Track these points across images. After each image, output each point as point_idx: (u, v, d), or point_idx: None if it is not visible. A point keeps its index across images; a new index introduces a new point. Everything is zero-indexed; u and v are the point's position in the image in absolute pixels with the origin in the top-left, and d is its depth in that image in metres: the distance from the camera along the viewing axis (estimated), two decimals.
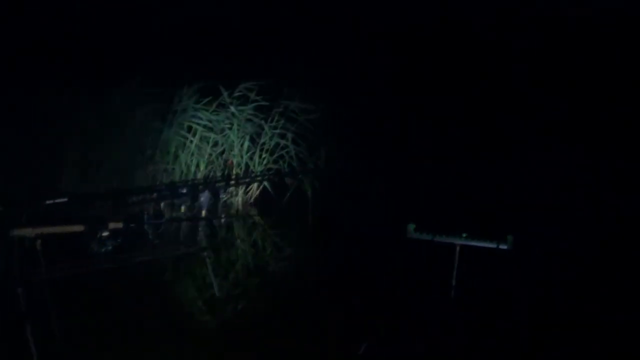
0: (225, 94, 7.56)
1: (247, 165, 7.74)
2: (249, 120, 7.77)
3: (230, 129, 7.68)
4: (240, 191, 7.71)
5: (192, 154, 7.61)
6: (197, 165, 7.68)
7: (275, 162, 7.82)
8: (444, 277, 4.89)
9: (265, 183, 7.60)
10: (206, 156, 7.66)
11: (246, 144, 7.73)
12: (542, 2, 6.64)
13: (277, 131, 7.79)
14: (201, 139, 7.63)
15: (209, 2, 8.17)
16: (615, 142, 6.53)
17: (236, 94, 7.66)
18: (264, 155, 7.89)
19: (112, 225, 3.43)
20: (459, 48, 7.05)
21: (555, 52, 7.10)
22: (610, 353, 4.53)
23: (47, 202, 3.21)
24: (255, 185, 7.68)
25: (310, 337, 4.40)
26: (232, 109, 7.67)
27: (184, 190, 3.78)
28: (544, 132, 6.62)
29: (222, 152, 7.69)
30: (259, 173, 7.67)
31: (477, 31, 6.93)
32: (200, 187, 3.89)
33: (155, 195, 4.01)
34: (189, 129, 7.59)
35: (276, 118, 7.82)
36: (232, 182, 4.37)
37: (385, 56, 7.28)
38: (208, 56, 8.05)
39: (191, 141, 7.60)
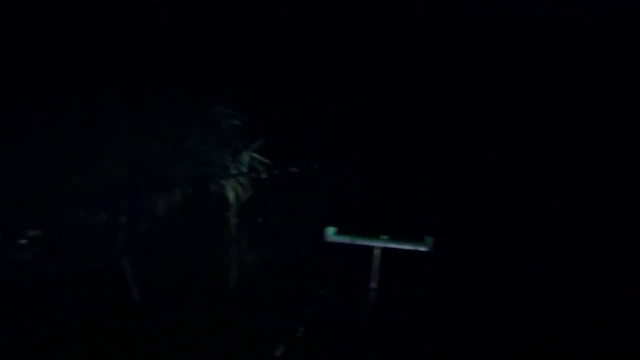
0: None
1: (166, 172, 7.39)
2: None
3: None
4: (163, 197, 7.36)
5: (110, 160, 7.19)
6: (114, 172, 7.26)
7: (197, 168, 7.52)
8: (364, 279, 4.82)
9: (187, 189, 7.28)
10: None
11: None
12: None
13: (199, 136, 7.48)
14: None
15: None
16: (531, 146, 6.68)
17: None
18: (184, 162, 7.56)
19: (30, 233, 3.16)
20: (377, 45, 7.01)
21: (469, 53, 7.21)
22: (524, 347, 4.59)
23: None
24: (178, 190, 7.36)
25: (226, 341, 4.23)
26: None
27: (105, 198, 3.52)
28: (463, 136, 6.70)
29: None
30: (179, 179, 7.35)
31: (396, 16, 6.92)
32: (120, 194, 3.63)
33: (76, 201, 3.73)
34: None
35: (199, 123, 7.51)
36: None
37: (308, 61, 7.17)
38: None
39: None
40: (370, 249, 4.89)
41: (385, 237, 4.89)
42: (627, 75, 6.41)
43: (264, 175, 6.88)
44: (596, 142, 6.46)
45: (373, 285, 4.82)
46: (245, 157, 7.14)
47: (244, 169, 7.02)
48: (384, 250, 4.88)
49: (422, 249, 4.84)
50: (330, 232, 4.86)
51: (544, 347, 4.89)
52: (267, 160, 6.77)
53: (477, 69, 6.80)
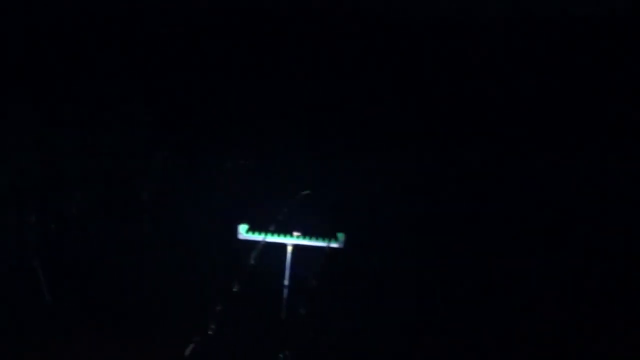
0: None
1: None
2: None
3: None
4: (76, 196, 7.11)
5: None
6: None
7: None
8: (276, 277, 4.83)
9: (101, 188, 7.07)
10: None
11: None
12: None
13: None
14: None
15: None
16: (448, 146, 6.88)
17: None
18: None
19: None
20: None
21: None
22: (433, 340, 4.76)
23: None
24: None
25: (135, 340, 4.15)
26: None
27: None
28: (378, 131, 6.81)
29: None
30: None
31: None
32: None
33: None
34: None
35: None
36: None
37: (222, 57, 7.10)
38: None
39: None
40: (283, 246, 4.91)
41: (298, 234, 4.92)
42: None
43: (177, 173, 6.77)
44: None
45: (285, 282, 4.85)
46: (160, 155, 7.00)
47: (159, 168, 6.88)
48: (298, 247, 4.92)
49: (335, 245, 4.90)
50: (243, 229, 4.85)
51: (452, 339, 5.07)
52: (181, 158, 6.67)
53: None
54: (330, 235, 4.88)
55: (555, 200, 6.39)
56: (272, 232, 4.85)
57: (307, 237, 4.90)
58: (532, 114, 6.68)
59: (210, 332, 3.95)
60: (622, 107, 6.54)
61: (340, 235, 4.90)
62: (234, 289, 4.24)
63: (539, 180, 6.52)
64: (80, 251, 5.92)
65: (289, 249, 4.88)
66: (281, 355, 4.24)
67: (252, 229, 4.84)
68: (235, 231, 4.81)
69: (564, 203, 6.35)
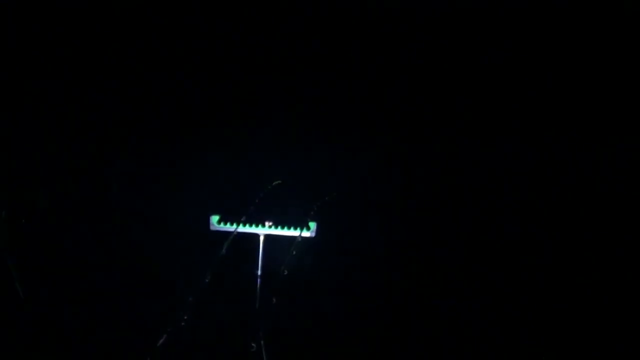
0: None
1: None
2: None
3: None
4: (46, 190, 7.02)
5: None
6: None
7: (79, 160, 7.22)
8: (249, 267, 4.86)
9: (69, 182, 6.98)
10: None
11: None
12: None
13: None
14: None
15: None
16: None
17: None
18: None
19: None
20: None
21: None
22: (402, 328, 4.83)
23: None
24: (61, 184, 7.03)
25: (107, 333, 4.16)
26: None
27: None
28: (350, 120, 6.83)
29: None
30: None
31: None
32: None
33: None
34: None
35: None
36: None
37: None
38: None
39: None
40: (255, 236, 4.94)
41: (270, 223, 4.95)
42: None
43: (147, 165, 6.72)
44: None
45: (258, 271, 4.87)
46: (130, 147, 6.94)
47: (129, 160, 6.83)
48: (270, 237, 4.95)
49: (307, 234, 4.95)
50: (214, 220, 4.86)
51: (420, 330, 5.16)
52: (151, 150, 6.63)
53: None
54: (302, 225, 4.92)
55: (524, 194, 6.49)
56: (244, 223, 4.87)
57: (279, 227, 4.94)
58: (509, 106, 6.76)
59: (182, 323, 3.96)
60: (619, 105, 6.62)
61: (312, 224, 4.94)
62: (206, 280, 4.26)
63: (507, 168, 6.61)
64: (51, 246, 5.88)
65: (261, 238, 4.92)
66: (254, 345, 4.28)
67: (224, 219, 4.86)
68: (207, 222, 4.82)
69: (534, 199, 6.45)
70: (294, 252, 4.81)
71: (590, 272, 5.72)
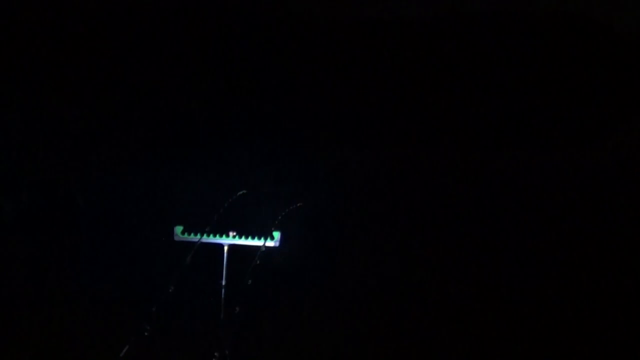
0: None
1: None
2: None
3: None
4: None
5: None
6: None
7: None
8: (214, 278, 4.87)
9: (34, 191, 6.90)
10: None
11: None
12: None
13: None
14: None
15: None
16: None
17: None
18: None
19: None
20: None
21: None
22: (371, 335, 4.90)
23: None
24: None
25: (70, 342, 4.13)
26: None
27: None
28: (312, 129, 6.93)
29: None
30: None
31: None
32: None
33: None
34: None
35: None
36: None
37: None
38: None
39: None
40: (219, 246, 4.95)
41: (234, 234, 4.97)
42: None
43: (113, 176, 6.70)
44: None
45: (222, 281, 4.89)
46: (96, 159, 6.91)
47: (96, 171, 6.80)
48: (235, 247, 4.97)
49: (271, 244, 4.97)
50: (178, 231, 4.86)
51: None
52: (117, 161, 6.61)
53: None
54: (266, 234, 4.95)
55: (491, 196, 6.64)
56: (208, 233, 4.88)
57: (244, 237, 4.95)
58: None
59: (146, 334, 3.96)
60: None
61: (276, 234, 4.97)
62: (170, 290, 4.26)
63: (486, 171, 6.75)
64: (20, 254, 5.81)
65: (225, 248, 4.93)
66: (217, 354, 4.29)
67: (188, 230, 4.86)
68: (170, 233, 4.82)
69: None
70: (258, 262, 4.83)
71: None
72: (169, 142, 6.44)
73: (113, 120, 6.53)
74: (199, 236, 4.84)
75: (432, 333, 5.33)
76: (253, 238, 4.96)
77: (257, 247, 4.88)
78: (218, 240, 4.90)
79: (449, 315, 5.47)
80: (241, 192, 5.32)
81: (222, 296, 4.84)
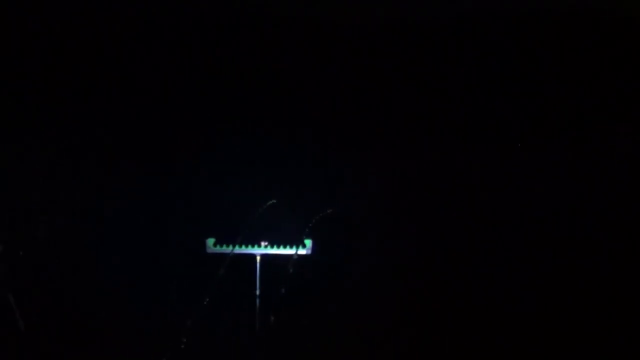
0: None
1: None
2: None
3: None
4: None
5: None
6: None
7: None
8: (248, 288, 4.90)
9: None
10: None
11: None
12: None
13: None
14: None
15: None
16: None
17: None
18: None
19: None
20: None
21: None
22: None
23: None
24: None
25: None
26: None
27: None
28: (341, 137, 6.91)
29: None
30: None
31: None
32: None
33: None
34: None
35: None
36: None
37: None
38: None
39: None
40: (252, 256, 4.98)
41: (265, 243, 4.99)
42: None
43: (143, 190, 6.76)
44: None
45: (256, 291, 4.91)
46: (125, 172, 6.96)
47: (124, 185, 6.85)
48: (267, 256, 4.99)
49: (302, 252, 4.98)
50: (210, 243, 4.91)
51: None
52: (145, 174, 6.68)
53: None
54: (297, 243, 4.96)
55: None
56: (240, 244, 4.91)
57: (275, 246, 4.98)
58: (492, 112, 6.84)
59: (182, 347, 4.00)
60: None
61: (308, 242, 4.98)
62: (205, 302, 4.29)
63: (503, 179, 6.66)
64: (47, 267, 5.91)
65: (258, 259, 4.96)
66: None
67: (220, 242, 4.90)
68: (203, 245, 4.86)
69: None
70: (291, 271, 4.84)
71: (591, 272, 5.75)
72: (199, 155, 6.48)
73: (142, 134, 6.60)
74: (231, 247, 4.88)
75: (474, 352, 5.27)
76: (285, 247, 4.98)
77: (289, 256, 4.90)
78: (250, 250, 4.93)
79: (488, 334, 5.39)
80: (271, 202, 5.34)
81: (257, 306, 4.87)
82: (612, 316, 5.44)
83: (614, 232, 5.93)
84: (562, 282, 5.70)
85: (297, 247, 4.94)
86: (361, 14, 7.07)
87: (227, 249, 4.88)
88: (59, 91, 6.72)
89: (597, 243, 5.89)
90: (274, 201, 5.50)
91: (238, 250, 4.88)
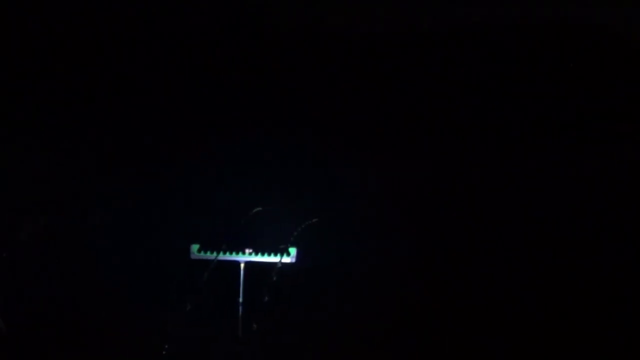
0: None
1: None
2: None
3: None
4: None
5: None
6: None
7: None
8: (231, 295, 4.88)
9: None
10: None
11: None
12: None
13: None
14: None
15: None
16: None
17: None
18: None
19: None
20: None
21: None
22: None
23: None
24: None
25: None
26: None
27: None
28: (325, 144, 6.92)
29: None
30: None
31: None
32: None
33: None
34: None
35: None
36: None
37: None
38: None
39: None
40: (236, 264, 4.96)
41: (250, 251, 4.98)
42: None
43: (128, 195, 6.73)
44: None
45: (239, 299, 4.90)
46: (109, 178, 6.93)
47: (110, 190, 6.82)
48: (251, 264, 4.98)
49: (287, 260, 4.98)
50: (194, 249, 4.89)
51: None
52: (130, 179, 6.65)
53: None
54: (282, 251, 4.96)
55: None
56: (224, 251, 4.90)
57: (260, 254, 4.97)
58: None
59: (164, 352, 3.98)
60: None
61: (292, 250, 4.98)
62: (187, 309, 4.28)
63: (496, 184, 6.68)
64: (35, 275, 5.86)
65: (242, 266, 4.95)
66: None
67: (204, 248, 4.88)
68: (187, 251, 4.85)
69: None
70: (275, 279, 4.84)
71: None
72: (183, 161, 6.47)
73: (126, 139, 6.58)
74: (215, 254, 4.87)
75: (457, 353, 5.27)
76: (269, 255, 4.97)
77: (274, 264, 4.89)
78: (234, 257, 4.92)
79: (477, 338, 5.41)
80: (256, 209, 5.34)
81: (240, 314, 4.85)
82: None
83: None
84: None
85: (282, 256, 4.94)
86: (360, 17, 7.10)
87: (211, 256, 4.87)
88: (39, 96, 6.69)
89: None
90: (260, 208, 5.51)
91: (222, 257, 4.87)
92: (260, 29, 7.09)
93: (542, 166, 6.63)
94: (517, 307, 5.59)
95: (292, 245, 4.98)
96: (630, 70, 6.77)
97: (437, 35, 7.01)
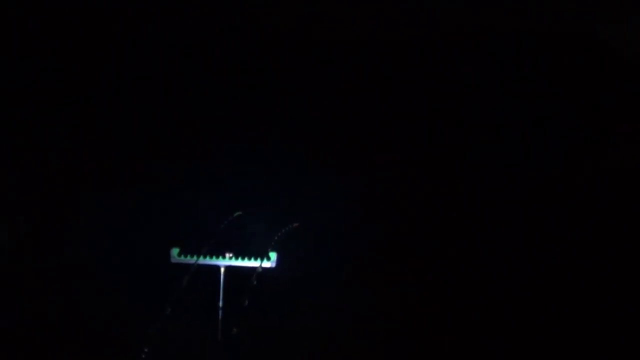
0: None
1: None
2: None
3: None
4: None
5: None
6: None
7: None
8: (211, 299, 4.88)
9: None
10: None
11: None
12: None
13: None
14: None
15: None
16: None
17: None
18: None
19: None
20: None
21: None
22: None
23: None
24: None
25: None
26: None
27: None
28: (307, 149, 6.95)
29: None
30: None
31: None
32: None
33: None
34: None
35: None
36: None
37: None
38: None
39: None
40: (216, 268, 4.97)
41: (230, 255, 4.99)
42: None
43: (109, 197, 6.70)
44: None
45: (219, 303, 4.90)
46: (92, 180, 6.91)
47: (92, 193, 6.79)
48: (231, 268, 4.99)
49: (267, 264, 5.00)
50: (174, 253, 4.88)
51: None
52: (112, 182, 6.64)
53: None
54: (262, 255, 4.98)
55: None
56: (205, 255, 4.90)
57: (240, 258, 4.98)
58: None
59: (143, 356, 3.96)
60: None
61: (273, 255, 4.99)
62: (167, 312, 4.27)
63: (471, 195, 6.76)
64: (15, 275, 5.80)
65: (222, 270, 4.95)
66: None
67: (184, 252, 4.88)
68: (167, 255, 4.84)
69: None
70: (255, 283, 4.85)
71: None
72: (164, 164, 6.47)
73: (107, 141, 6.55)
74: (195, 258, 4.86)
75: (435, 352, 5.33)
76: (249, 259, 4.98)
77: (254, 268, 4.91)
78: (214, 261, 4.92)
79: (459, 338, 5.46)
80: (237, 214, 5.35)
81: (219, 317, 4.85)
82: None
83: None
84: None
85: (262, 260, 4.95)
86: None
87: (191, 260, 4.87)
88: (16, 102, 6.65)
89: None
90: (240, 213, 5.52)
91: (202, 261, 4.87)
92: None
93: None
94: (503, 309, 5.66)
95: (273, 250, 4.99)
96: (627, 77, 6.89)
97: (435, 40, 7.09)
